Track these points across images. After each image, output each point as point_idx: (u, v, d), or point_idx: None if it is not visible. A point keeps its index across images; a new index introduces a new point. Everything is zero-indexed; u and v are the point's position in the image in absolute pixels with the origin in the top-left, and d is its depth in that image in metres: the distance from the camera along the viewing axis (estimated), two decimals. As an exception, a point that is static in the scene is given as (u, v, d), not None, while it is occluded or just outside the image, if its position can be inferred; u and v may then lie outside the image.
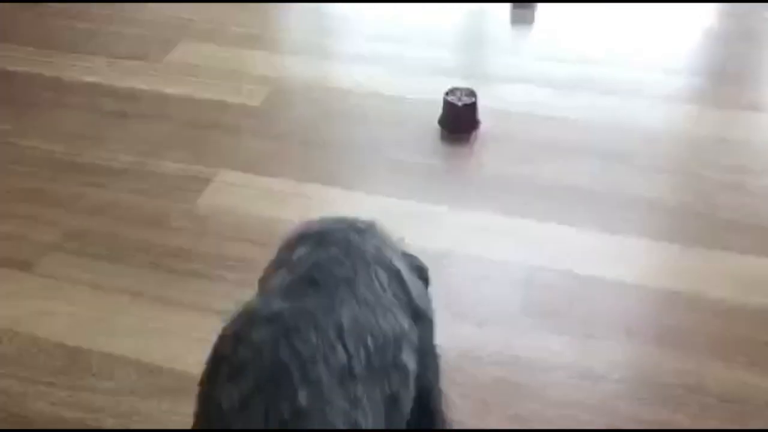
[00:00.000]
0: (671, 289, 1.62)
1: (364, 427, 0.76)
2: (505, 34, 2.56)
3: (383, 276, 0.89)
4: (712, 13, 2.62)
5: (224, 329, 0.85)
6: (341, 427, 0.73)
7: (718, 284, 1.63)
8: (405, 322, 0.88)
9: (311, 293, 0.83)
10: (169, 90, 2.25)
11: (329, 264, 0.87)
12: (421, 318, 0.94)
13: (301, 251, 0.90)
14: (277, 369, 0.75)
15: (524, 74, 2.30)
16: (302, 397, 0.73)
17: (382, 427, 0.80)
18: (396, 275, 0.91)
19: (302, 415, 0.72)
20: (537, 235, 1.76)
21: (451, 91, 2.06)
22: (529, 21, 2.57)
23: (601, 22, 2.56)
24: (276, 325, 0.79)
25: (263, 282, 0.95)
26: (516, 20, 2.59)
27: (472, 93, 2.06)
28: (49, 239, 1.76)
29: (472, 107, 2.05)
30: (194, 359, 1.42)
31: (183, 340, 1.53)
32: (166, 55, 2.40)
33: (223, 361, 0.80)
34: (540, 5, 2.61)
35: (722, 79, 2.28)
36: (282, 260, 0.92)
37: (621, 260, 1.69)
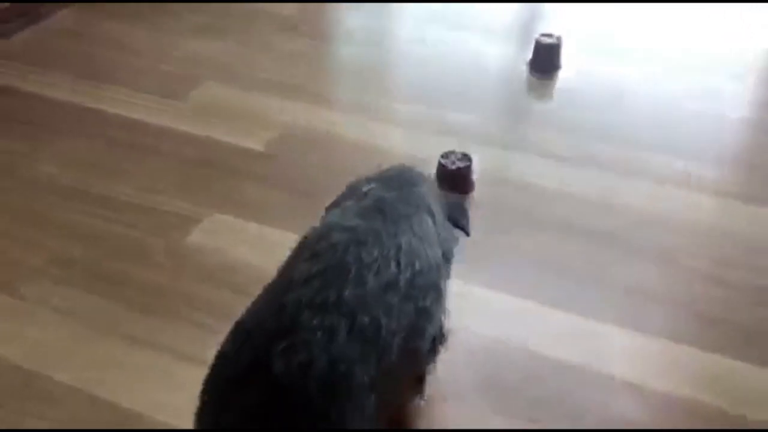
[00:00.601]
0: (634, 382, 1.58)
1: (384, 325, 0.94)
2: (521, 101, 2.58)
3: (428, 218, 1.14)
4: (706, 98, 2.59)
5: (309, 233, 1.08)
6: (365, 320, 0.92)
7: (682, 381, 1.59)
8: (440, 256, 1.13)
9: (380, 219, 1.06)
10: (184, 128, 2.33)
11: (393, 201, 1.12)
12: (444, 257, 1.18)
13: (370, 187, 1.16)
14: (341, 265, 0.96)
15: (528, 143, 2.30)
16: (348, 292, 0.93)
17: (402, 328, 0.98)
18: (434, 219, 1.16)
19: (342, 304, 0.92)
20: (509, 309, 1.74)
21: (446, 155, 2.08)
22: (545, 90, 2.58)
23: (616, 97, 2.54)
24: (351, 233, 1.01)
25: (332, 206, 1.21)
26: (532, 88, 2.61)
27: (467, 157, 2.08)
28: (34, 263, 1.83)
29: (465, 171, 2.06)
30: (149, 399, 1.49)
31: (143, 379, 1.56)
32: (189, 93, 2.49)
33: (306, 248, 1.03)
34: (559, 77, 2.62)
35: (728, 167, 2.24)
36: (352, 193, 1.17)
37: (589, 346, 1.66)
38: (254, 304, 0.99)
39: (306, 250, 1.03)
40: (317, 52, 2.79)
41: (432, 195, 1.25)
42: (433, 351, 1.24)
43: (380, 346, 0.93)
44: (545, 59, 2.62)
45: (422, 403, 1.46)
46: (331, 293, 0.93)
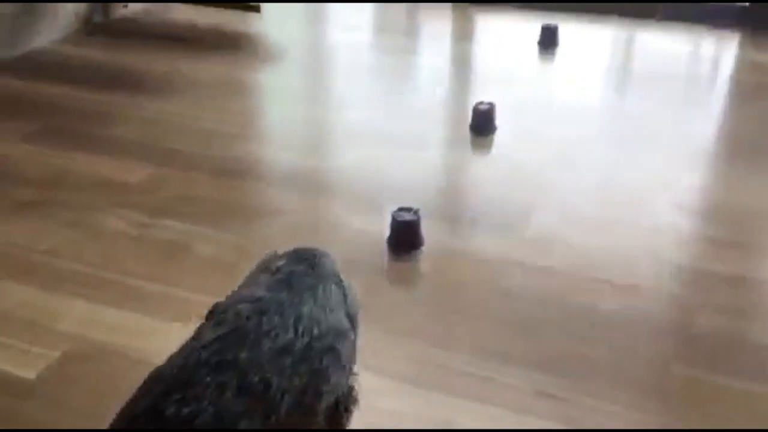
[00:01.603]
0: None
1: (274, 384, 1.05)
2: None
3: (335, 288, 1.25)
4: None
5: (221, 302, 1.19)
6: (255, 379, 1.04)
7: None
8: (347, 323, 1.23)
9: (286, 290, 1.19)
10: None
11: (301, 274, 1.24)
12: (352, 322, 1.28)
13: (281, 263, 1.28)
14: (242, 331, 1.09)
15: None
16: (243, 355, 1.06)
17: (294, 388, 1.08)
18: (342, 289, 1.27)
19: (236, 365, 1.05)
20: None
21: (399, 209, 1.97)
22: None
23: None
24: (256, 304, 1.15)
25: (247, 280, 1.30)
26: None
27: (415, 212, 1.96)
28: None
29: (414, 225, 1.94)
30: None
31: None
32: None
33: (215, 316, 1.15)
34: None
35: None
36: (264, 268, 1.28)
37: None
38: (170, 359, 1.10)
39: (215, 318, 1.16)
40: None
41: (335, 267, 1.33)
42: (340, 411, 1.29)
43: (268, 402, 1.05)
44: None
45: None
46: (228, 355, 1.06)
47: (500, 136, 2.55)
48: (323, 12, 3.79)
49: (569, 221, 2.09)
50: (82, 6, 3.42)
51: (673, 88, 2.98)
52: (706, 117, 2.77)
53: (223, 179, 2.27)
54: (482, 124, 2.53)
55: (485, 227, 2.06)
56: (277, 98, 2.93)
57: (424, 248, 1.95)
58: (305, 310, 1.16)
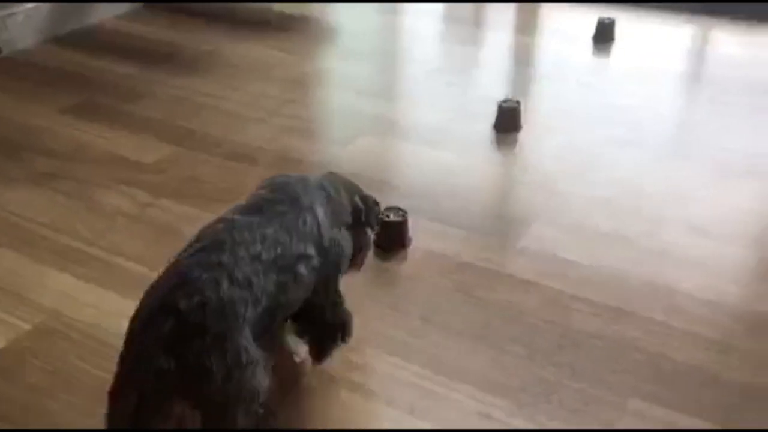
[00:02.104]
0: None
1: (254, 282, 1.24)
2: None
3: (310, 222, 1.38)
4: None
5: (207, 225, 1.35)
6: (240, 276, 1.22)
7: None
8: (311, 251, 1.36)
9: (256, 215, 1.34)
10: None
11: (273, 203, 1.38)
12: (326, 255, 1.41)
13: (261, 191, 1.43)
14: (219, 241, 1.26)
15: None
16: (225, 257, 1.23)
17: (267, 292, 1.26)
18: (317, 225, 1.39)
19: (222, 264, 1.22)
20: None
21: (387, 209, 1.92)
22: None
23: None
24: (229, 224, 1.32)
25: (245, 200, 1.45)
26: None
27: (401, 212, 1.93)
28: None
29: (401, 225, 1.91)
30: None
31: None
32: None
33: (198, 235, 1.31)
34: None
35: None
36: (250, 195, 1.44)
37: None
38: (160, 275, 1.26)
39: (197, 237, 1.32)
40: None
41: (320, 202, 1.45)
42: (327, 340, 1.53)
43: (254, 296, 1.23)
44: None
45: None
46: (213, 258, 1.23)
47: (524, 136, 2.46)
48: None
49: (567, 235, 1.99)
50: (145, -19, 3.53)
51: (733, 96, 2.77)
52: (760, 133, 2.58)
53: (234, 163, 2.29)
54: (506, 122, 2.45)
55: (476, 233, 2.00)
56: (315, 83, 2.92)
57: (410, 250, 1.92)
58: (270, 232, 1.32)
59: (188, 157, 2.33)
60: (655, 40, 3.26)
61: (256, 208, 1.37)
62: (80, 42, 3.15)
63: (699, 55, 3.23)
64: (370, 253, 1.70)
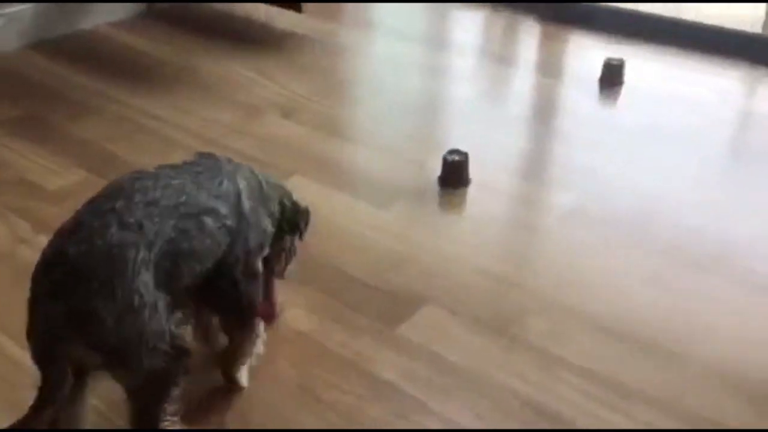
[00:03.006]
0: None
1: (146, 226, 1.25)
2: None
3: (227, 186, 1.40)
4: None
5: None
6: (130, 220, 1.24)
7: None
8: (224, 210, 1.37)
9: (171, 172, 1.38)
10: None
11: (192, 166, 1.43)
12: (243, 221, 1.42)
13: (188, 159, 1.47)
14: (119, 189, 1.31)
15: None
16: (119, 204, 1.27)
17: (162, 234, 1.27)
18: (236, 192, 1.41)
19: (114, 211, 1.25)
20: None
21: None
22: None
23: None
24: (138, 174, 1.36)
25: None
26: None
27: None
28: None
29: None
30: None
31: None
32: None
33: (106, 186, 1.36)
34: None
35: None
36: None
37: None
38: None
39: (105, 186, 1.37)
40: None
41: (245, 180, 1.46)
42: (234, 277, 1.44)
43: (145, 238, 1.25)
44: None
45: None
46: (107, 204, 1.27)
47: (473, 193, 2.17)
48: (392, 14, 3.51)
49: (457, 315, 1.71)
50: (148, -12, 3.42)
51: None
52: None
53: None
54: (450, 176, 2.17)
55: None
56: (272, 111, 2.65)
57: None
58: (176, 182, 1.34)
59: (96, 186, 2.08)
60: (675, 90, 2.82)
61: (174, 166, 1.42)
62: (62, 49, 3.05)
63: (739, 114, 2.74)
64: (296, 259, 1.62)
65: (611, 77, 2.74)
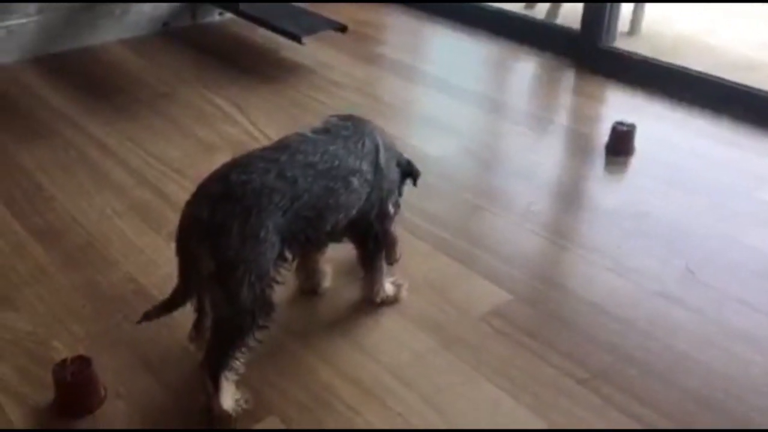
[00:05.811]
0: None
1: (299, 181, 1.49)
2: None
3: (369, 145, 1.64)
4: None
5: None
6: (288, 174, 1.48)
7: None
8: (366, 167, 1.62)
9: (326, 137, 1.60)
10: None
11: (339, 128, 1.64)
12: (379, 172, 1.66)
13: (332, 120, 1.68)
14: (285, 145, 1.56)
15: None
16: (283, 158, 1.50)
17: (311, 191, 1.51)
18: (376, 148, 1.65)
19: (278, 161, 1.49)
20: None
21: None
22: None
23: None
24: (301, 137, 1.59)
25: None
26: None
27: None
28: None
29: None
30: None
31: None
32: None
33: (278, 139, 1.62)
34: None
35: None
36: (324, 119, 1.70)
37: None
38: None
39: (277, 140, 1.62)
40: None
41: (380, 138, 1.68)
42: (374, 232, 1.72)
43: (295, 192, 1.48)
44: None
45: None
46: (274, 156, 1.51)
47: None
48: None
49: None
50: (162, 7, 3.30)
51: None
52: None
53: (33, 242, 1.94)
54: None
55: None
56: (225, 150, 2.28)
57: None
58: (332, 148, 1.58)
59: (4, 220, 2.01)
60: (696, 162, 2.40)
61: (325, 129, 1.64)
62: (57, 66, 2.98)
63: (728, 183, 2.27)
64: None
65: (617, 144, 2.37)
